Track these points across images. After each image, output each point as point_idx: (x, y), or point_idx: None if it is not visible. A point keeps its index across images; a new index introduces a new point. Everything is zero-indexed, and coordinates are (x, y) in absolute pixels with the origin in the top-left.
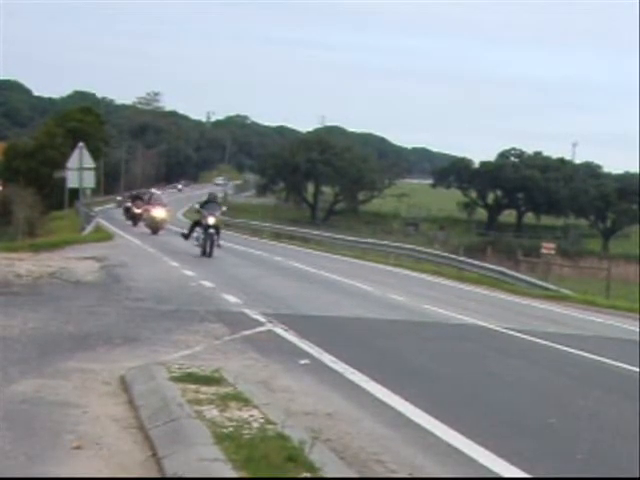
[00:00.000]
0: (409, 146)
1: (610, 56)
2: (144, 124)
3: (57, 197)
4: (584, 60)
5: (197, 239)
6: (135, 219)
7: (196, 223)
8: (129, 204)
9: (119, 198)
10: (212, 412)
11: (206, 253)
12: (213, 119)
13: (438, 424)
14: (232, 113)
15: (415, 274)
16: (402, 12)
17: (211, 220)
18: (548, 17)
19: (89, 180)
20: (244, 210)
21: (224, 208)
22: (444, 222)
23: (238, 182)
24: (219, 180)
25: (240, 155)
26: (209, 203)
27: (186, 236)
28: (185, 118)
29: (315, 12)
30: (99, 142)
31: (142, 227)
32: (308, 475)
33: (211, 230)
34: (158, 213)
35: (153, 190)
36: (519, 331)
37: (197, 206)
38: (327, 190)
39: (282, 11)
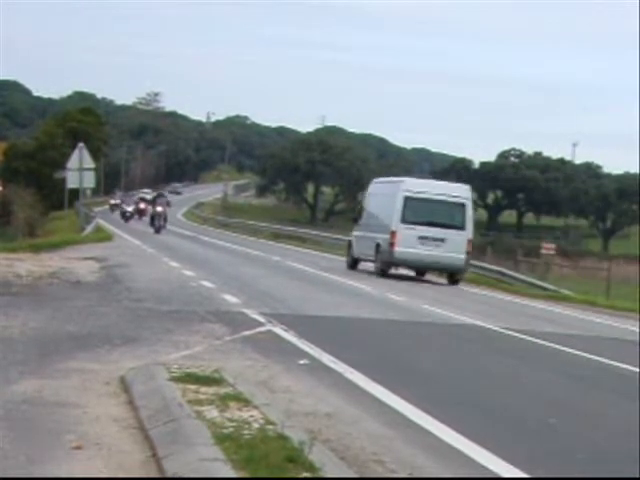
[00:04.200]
0: (409, 146)
1: (610, 56)
2: (144, 124)
3: (57, 197)
4: (584, 60)
5: None
6: None
7: None
8: None
9: (114, 202)
10: (212, 412)
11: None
12: (213, 119)
13: (438, 424)
14: (232, 113)
15: (413, 274)
16: (402, 12)
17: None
18: (548, 17)
19: (89, 180)
20: (243, 210)
21: None
22: None
23: (240, 182)
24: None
25: (240, 155)
26: None
27: None
28: (185, 118)
29: (315, 12)
30: (99, 142)
31: None
32: (308, 475)
33: None
34: None
35: None
36: (518, 331)
37: None
38: (327, 190)
39: (282, 11)
